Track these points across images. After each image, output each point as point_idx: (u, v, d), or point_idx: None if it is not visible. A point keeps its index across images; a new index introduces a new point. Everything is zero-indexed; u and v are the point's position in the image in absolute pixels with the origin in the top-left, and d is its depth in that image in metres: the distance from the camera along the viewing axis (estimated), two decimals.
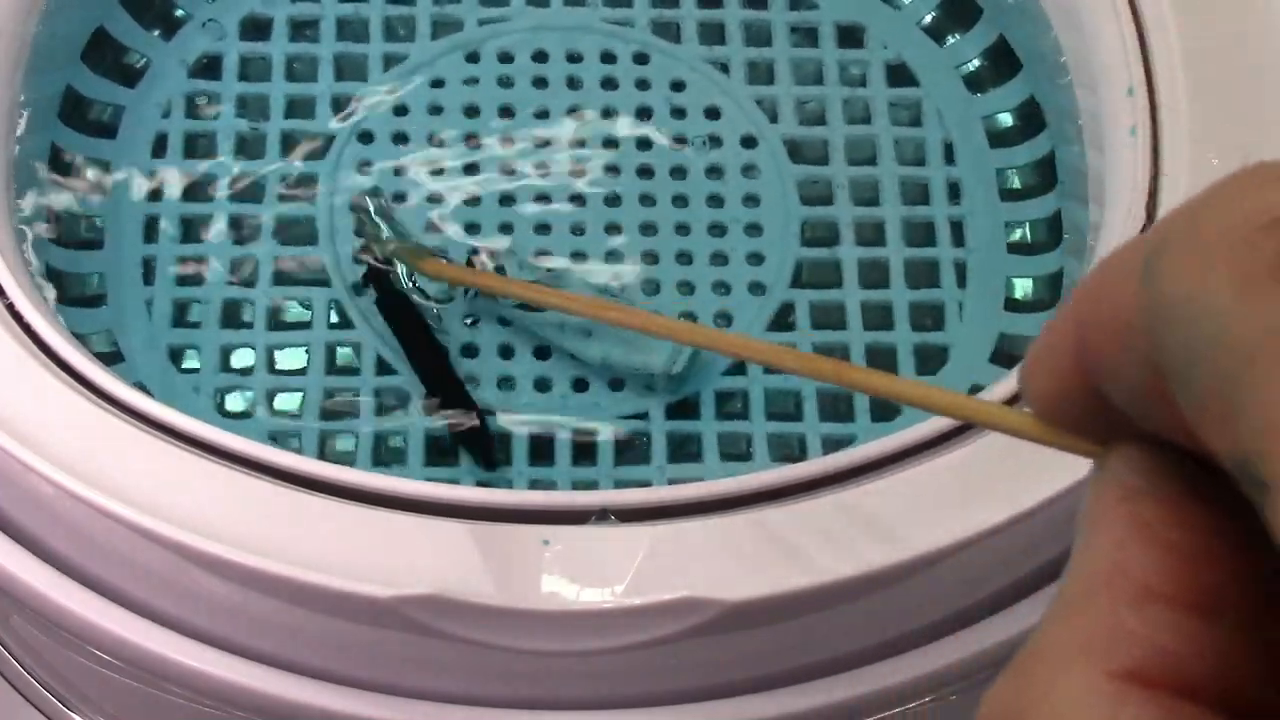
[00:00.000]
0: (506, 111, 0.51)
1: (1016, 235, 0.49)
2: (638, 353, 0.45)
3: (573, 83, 0.51)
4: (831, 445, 0.45)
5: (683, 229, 0.49)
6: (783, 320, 0.48)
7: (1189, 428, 0.15)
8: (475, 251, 0.47)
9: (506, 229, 0.48)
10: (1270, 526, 0.14)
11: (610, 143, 0.50)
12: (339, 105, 0.50)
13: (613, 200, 0.49)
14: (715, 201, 0.49)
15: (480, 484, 0.44)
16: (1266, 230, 0.14)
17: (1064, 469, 0.35)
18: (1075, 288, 0.17)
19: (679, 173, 0.50)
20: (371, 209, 0.48)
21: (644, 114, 0.51)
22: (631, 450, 0.45)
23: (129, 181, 0.48)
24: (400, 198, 0.49)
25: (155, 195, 0.48)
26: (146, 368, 0.46)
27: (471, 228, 0.48)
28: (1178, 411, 0.15)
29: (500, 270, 0.47)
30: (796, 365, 0.29)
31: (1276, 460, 0.14)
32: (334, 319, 0.47)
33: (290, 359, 0.47)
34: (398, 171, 0.49)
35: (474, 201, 0.49)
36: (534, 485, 0.44)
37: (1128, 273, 0.16)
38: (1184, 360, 0.15)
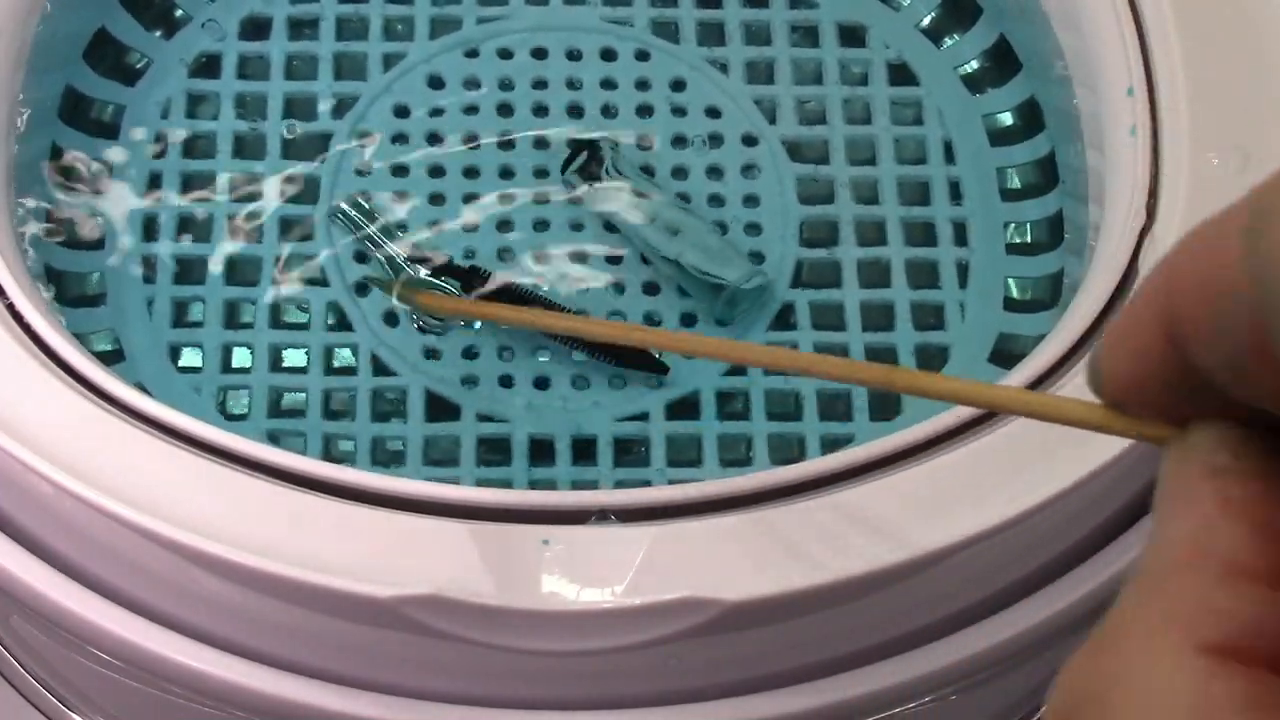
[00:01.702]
0: (506, 110, 0.51)
1: (1016, 235, 0.49)
2: (714, 263, 0.47)
3: (572, 82, 0.51)
4: (831, 445, 0.45)
5: None
6: (783, 320, 0.48)
7: None
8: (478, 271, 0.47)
9: (506, 227, 0.48)
10: None
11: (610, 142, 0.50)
12: (339, 105, 0.50)
13: None
14: (715, 201, 0.49)
15: (480, 483, 0.44)
16: None
17: (1064, 469, 0.35)
18: (1159, 263, 0.17)
19: (679, 173, 0.50)
20: (354, 215, 0.48)
21: (644, 113, 0.51)
22: (631, 450, 0.45)
23: (129, 181, 0.48)
24: (401, 196, 0.49)
25: (155, 195, 0.48)
26: (147, 368, 0.46)
27: (469, 228, 0.48)
28: None
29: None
30: (841, 372, 0.28)
31: None
32: (332, 320, 0.47)
33: (290, 359, 0.47)
34: (397, 171, 0.49)
35: (473, 200, 0.49)
36: (534, 485, 0.44)
37: (1225, 237, 0.16)
38: None
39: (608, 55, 0.52)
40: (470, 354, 0.46)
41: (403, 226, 0.48)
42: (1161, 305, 0.17)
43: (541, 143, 0.50)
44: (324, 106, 0.50)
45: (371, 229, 0.47)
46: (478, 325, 0.47)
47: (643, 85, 0.51)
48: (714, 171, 0.50)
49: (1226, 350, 0.16)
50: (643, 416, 0.46)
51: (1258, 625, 0.15)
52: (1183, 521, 0.16)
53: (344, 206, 0.48)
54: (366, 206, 0.48)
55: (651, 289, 0.48)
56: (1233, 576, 0.15)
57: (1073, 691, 0.16)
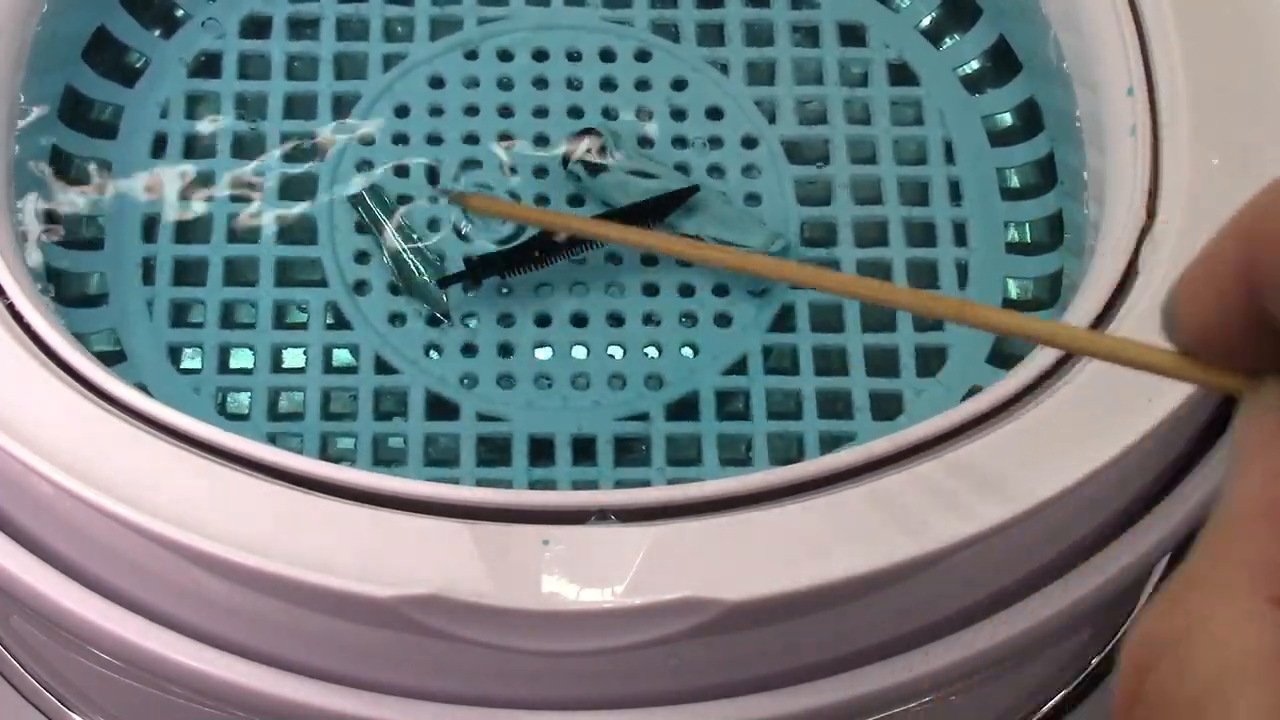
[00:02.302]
0: (506, 111, 0.51)
1: (1016, 235, 0.49)
2: (735, 232, 0.47)
3: (572, 83, 0.51)
4: (831, 445, 0.45)
5: None
6: (783, 321, 0.48)
7: None
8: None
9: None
10: None
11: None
12: (339, 105, 0.50)
13: None
14: None
15: (480, 483, 0.44)
16: None
17: (1067, 468, 0.35)
18: (1243, 207, 0.16)
19: (679, 172, 0.50)
20: (373, 204, 0.48)
21: (644, 114, 0.51)
22: (631, 450, 0.45)
23: (129, 181, 0.48)
24: (403, 199, 0.49)
25: (155, 195, 0.48)
26: (147, 368, 0.46)
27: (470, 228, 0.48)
28: None
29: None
30: (913, 302, 0.27)
31: None
32: (331, 320, 0.47)
33: (290, 359, 0.47)
34: (398, 171, 0.49)
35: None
36: (534, 485, 0.44)
37: None
38: None
39: (608, 56, 0.52)
40: (470, 352, 0.46)
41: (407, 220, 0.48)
42: (1242, 252, 0.16)
43: (541, 142, 0.50)
44: (324, 106, 0.50)
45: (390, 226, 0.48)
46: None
47: (643, 85, 0.51)
48: (714, 171, 0.50)
49: None
50: (643, 416, 0.46)
51: None
52: (1254, 476, 0.16)
53: (365, 195, 0.48)
54: (386, 198, 0.48)
55: (650, 289, 0.48)
56: None
57: (1149, 642, 0.16)
